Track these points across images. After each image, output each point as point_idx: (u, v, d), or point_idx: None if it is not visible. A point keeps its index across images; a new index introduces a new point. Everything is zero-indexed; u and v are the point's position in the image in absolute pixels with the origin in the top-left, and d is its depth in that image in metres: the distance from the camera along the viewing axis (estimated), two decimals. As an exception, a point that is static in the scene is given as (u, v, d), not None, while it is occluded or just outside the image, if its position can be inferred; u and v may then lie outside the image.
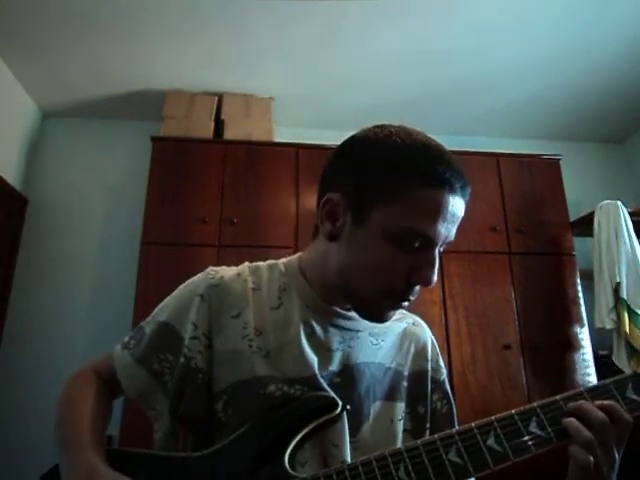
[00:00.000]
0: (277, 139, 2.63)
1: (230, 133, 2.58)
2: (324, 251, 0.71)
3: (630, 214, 2.47)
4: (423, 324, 0.85)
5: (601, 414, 0.57)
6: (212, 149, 2.48)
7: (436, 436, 0.60)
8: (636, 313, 2.25)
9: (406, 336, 0.80)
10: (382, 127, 0.68)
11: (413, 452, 0.59)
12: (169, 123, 2.58)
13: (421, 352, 0.80)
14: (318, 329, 0.71)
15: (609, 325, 2.31)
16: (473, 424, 0.60)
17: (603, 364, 2.38)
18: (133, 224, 2.51)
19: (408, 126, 0.68)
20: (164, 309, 0.75)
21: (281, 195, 2.40)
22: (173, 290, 0.78)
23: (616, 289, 2.32)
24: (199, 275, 0.76)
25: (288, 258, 0.79)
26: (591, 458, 0.55)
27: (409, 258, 0.64)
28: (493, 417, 0.60)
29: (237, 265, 0.78)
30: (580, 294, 2.42)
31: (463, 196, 0.66)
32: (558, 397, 0.60)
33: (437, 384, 0.79)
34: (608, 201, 2.51)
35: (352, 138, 0.71)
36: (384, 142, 0.65)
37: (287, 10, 2.13)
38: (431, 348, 0.81)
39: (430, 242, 0.63)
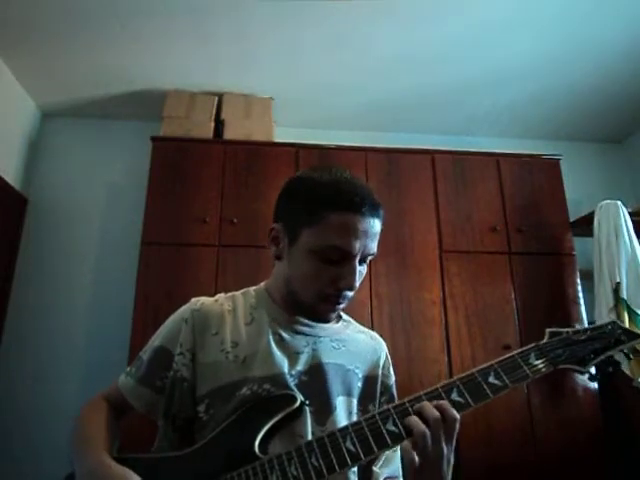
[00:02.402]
0: (277, 139, 2.63)
1: (230, 133, 2.58)
2: (277, 272, 0.91)
3: (630, 214, 2.46)
4: (379, 339, 1.01)
5: (436, 412, 0.69)
6: (212, 149, 2.48)
7: (375, 412, 0.74)
8: (636, 313, 2.25)
9: (365, 347, 0.95)
10: (312, 169, 0.86)
11: (357, 426, 0.72)
12: (169, 123, 2.57)
13: (376, 361, 0.95)
14: (285, 336, 0.86)
15: (609, 325, 2.30)
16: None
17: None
18: (133, 224, 2.51)
19: (335, 166, 0.85)
20: (157, 337, 0.91)
21: (281, 195, 2.40)
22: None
23: (616, 289, 2.32)
24: (185, 305, 0.92)
25: (257, 285, 0.96)
26: (415, 457, 0.68)
27: (333, 269, 0.80)
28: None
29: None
30: (580, 294, 2.42)
31: (374, 216, 0.81)
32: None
33: (386, 388, 0.95)
34: (608, 201, 2.51)
35: (290, 179, 0.89)
36: (308, 181, 0.83)
37: (287, 11, 2.13)
38: (384, 359, 0.97)
39: (347, 255, 0.79)
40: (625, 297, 2.28)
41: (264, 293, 0.93)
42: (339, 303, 0.84)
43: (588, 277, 2.50)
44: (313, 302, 0.83)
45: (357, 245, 0.78)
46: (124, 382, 0.90)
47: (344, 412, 0.85)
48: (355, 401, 0.88)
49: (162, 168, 2.41)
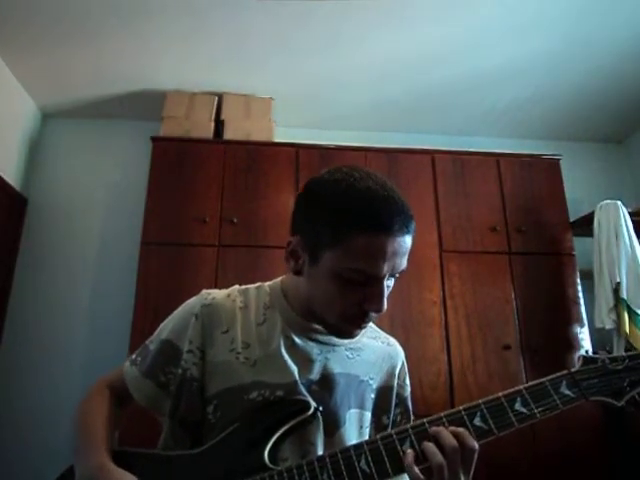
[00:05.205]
0: (277, 139, 2.63)
1: (230, 133, 2.58)
2: (297, 281, 0.81)
3: (630, 214, 2.46)
4: (397, 345, 0.95)
5: (454, 440, 0.66)
6: (212, 149, 2.48)
7: (393, 431, 0.71)
8: (636, 313, 2.25)
9: (380, 355, 0.90)
10: (334, 173, 0.75)
11: (372, 445, 0.69)
12: (169, 123, 2.58)
13: (391, 370, 0.91)
14: (298, 341, 0.82)
15: (609, 325, 2.31)
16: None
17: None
18: (133, 224, 2.51)
19: (358, 170, 0.74)
20: (165, 329, 0.86)
21: (281, 195, 2.40)
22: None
23: (616, 289, 2.32)
24: (194, 297, 0.87)
25: (273, 280, 0.90)
26: None
27: (358, 291, 0.72)
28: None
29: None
30: (580, 294, 2.42)
31: (406, 233, 0.71)
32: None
33: (401, 399, 0.91)
34: (608, 201, 2.51)
35: (309, 183, 0.78)
36: (330, 190, 0.73)
37: (287, 10, 2.13)
38: (400, 368, 0.92)
39: (374, 278, 0.71)
40: (625, 297, 2.28)
41: (279, 293, 0.86)
42: (365, 323, 0.77)
43: (588, 277, 2.50)
44: (336, 322, 0.77)
45: (385, 268, 0.70)
46: (128, 371, 0.87)
47: (355, 426, 0.82)
48: (368, 414, 0.85)
49: (162, 168, 2.41)
